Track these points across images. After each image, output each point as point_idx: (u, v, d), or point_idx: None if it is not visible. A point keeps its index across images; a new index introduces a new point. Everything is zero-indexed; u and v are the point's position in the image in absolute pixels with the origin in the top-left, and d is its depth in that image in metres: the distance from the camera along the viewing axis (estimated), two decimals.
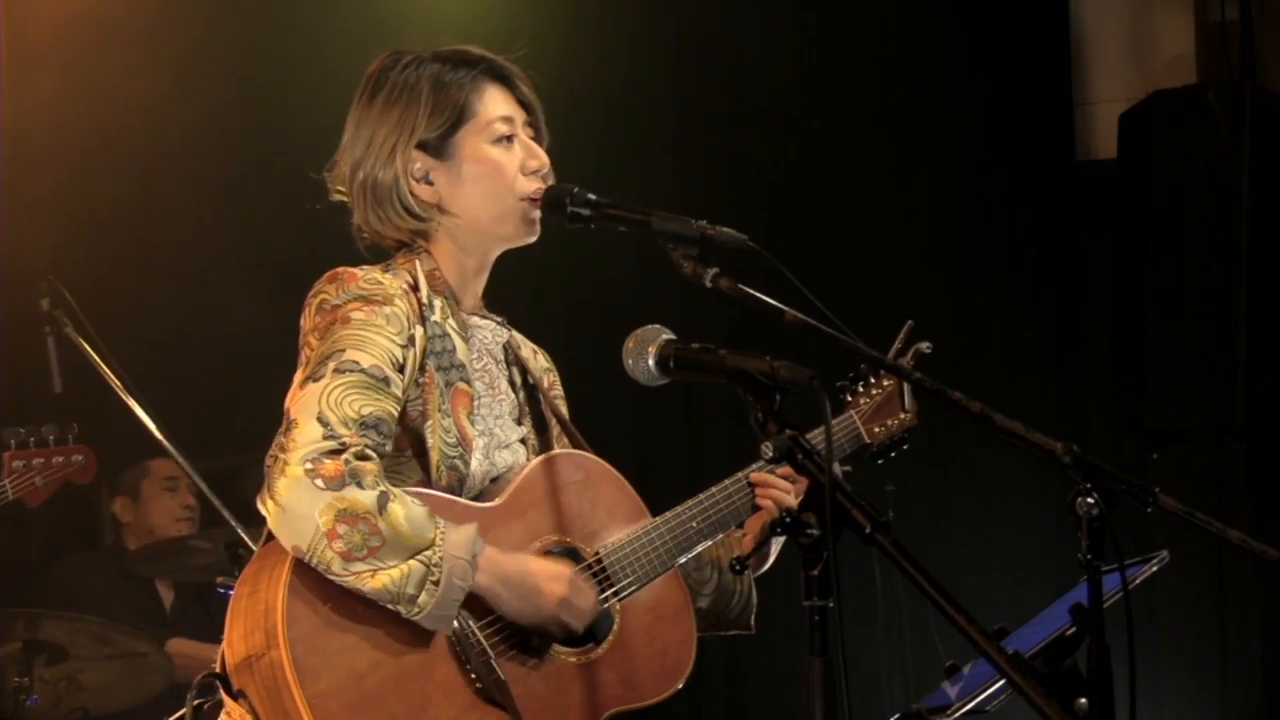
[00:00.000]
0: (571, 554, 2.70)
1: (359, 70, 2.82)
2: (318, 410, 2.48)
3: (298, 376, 2.57)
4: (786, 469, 2.80)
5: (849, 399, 3.04)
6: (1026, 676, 2.10)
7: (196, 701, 2.67)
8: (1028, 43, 6.59)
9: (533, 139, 2.80)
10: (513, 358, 2.86)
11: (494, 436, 2.73)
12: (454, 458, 2.64)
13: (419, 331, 2.65)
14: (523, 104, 2.80)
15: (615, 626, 2.69)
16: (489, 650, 2.56)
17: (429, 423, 2.63)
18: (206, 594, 5.14)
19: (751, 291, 2.43)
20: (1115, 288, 6.23)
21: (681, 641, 2.76)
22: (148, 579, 5.39)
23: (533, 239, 2.78)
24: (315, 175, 2.83)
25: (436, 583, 2.45)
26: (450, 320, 2.72)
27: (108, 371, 4.49)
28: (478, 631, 2.56)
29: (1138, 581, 3.18)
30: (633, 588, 2.72)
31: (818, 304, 2.41)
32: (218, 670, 2.54)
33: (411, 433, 2.63)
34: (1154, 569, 3.23)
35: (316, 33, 5.57)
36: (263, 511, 2.46)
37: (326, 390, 2.50)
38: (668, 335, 2.49)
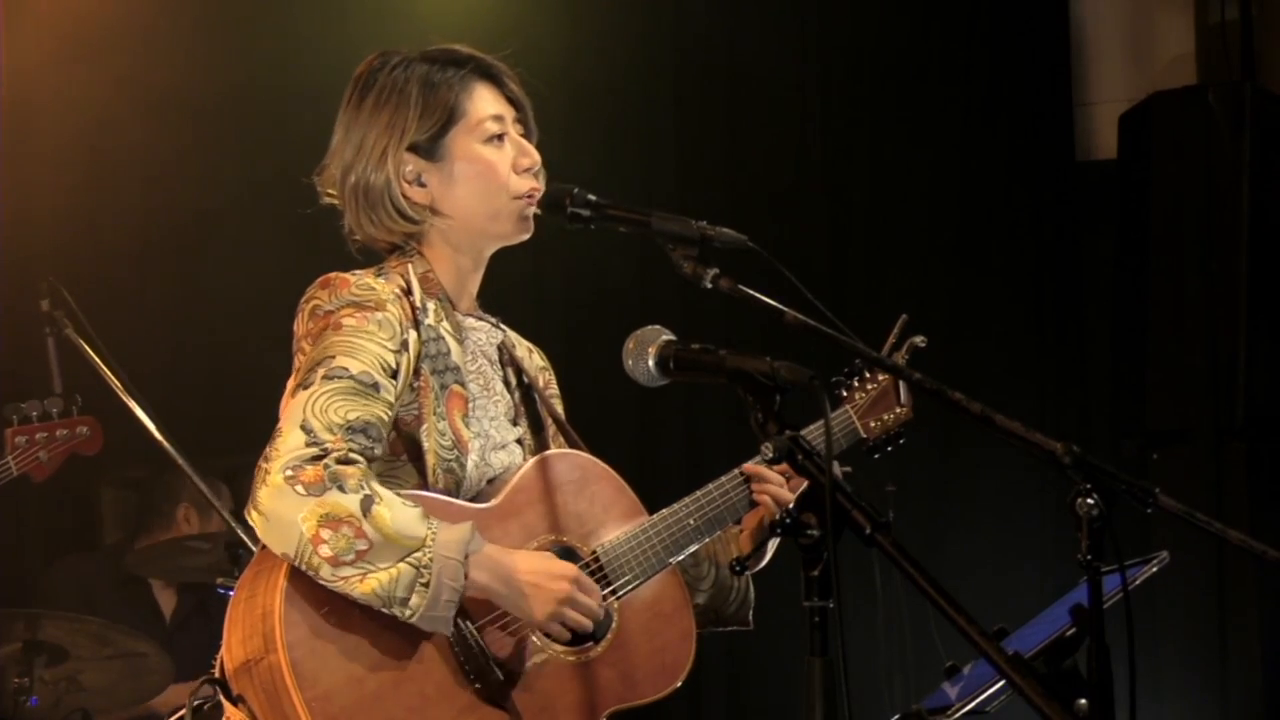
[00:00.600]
0: (568, 553, 2.69)
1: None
2: (302, 418, 2.48)
3: (290, 383, 2.58)
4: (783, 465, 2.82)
5: (844, 394, 3.04)
6: (1026, 677, 2.10)
7: (196, 703, 2.68)
8: (1028, 43, 6.60)
9: (523, 136, 2.80)
10: (508, 358, 2.85)
11: (489, 438, 2.73)
12: (450, 460, 2.64)
13: (412, 336, 2.65)
14: (512, 102, 2.80)
15: (613, 625, 2.69)
16: (487, 651, 2.56)
17: (424, 426, 2.63)
18: (209, 599, 5.13)
19: (751, 291, 2.43)
20: (1115, 288, 6.23)
21: (680, 639, 2.76)
22: (148, 579, 5.38)
23: (527, 236, 2.78)
24: (306, 179, 2.83)
25: (426, 584, 2.45)
26: (444, 323, 2.72)
27: (108, 371, 4.48)
28: (476, 632, 2.56)
29: (1138, 582, 3.18)
30: (630, 586, 2.72)
31: (818, 304, 2.41)
32: (217, 675, 2.54)
33: (407, 437, 2.63)
34: (1154, 569, 3.23)
35: (316, 33, 5.56)
36: (250, 522, 2.47)
37: (313, 397, 2.50)
38: (668, 336, 2.49)
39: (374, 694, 2.46)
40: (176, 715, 4.13)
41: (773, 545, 2.89)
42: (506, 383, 2.83)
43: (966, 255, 6.47)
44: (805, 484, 2.32)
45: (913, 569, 2.17)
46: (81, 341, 4.54)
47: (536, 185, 2.75)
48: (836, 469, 2.32)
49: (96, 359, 4.50)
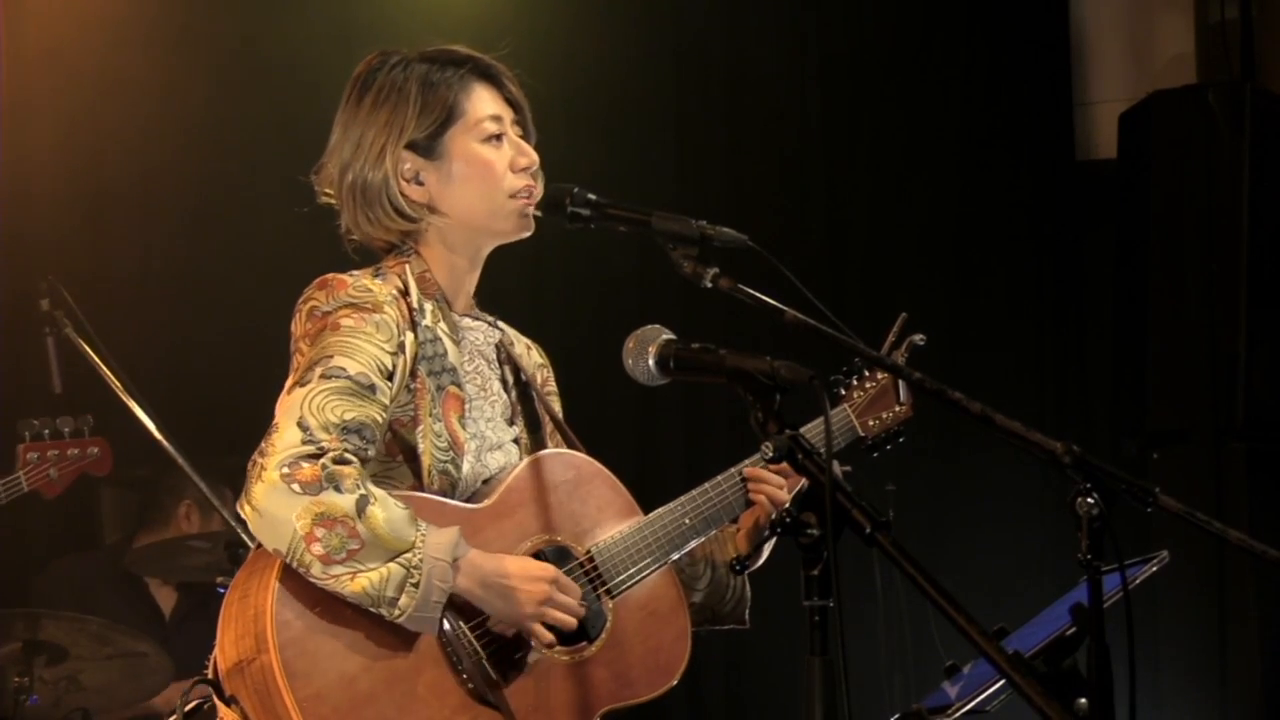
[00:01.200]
0: (562, 553, 2.70)
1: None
2: (299, 415, 2.49)
3: (288, 382, 2.58)
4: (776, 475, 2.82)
5: (842, 392, 3.05)
6: (1026, 676, 2.10)
7: (190, 706, 2.67)
8: (1028, 43, 6.60)
9: (521, 137, 2.80)
10: (505, 357, 2.86)
11: (485, 439, 2.73)
12: (445, 462, 2.64)
13: (409, 338, 2.65)
14: (510, 102, 2.81)
15: (608, 624, 2.69)
16: (480, 650, 2.56)
17: (420, 428, 2.63)
18: (209, 598, 5.13)
19: (751, 291, 2.43)
20: (1115, 288, 6.23)
21: (676, 638, 2.76)
22: (147, 579, 5.38)
23: (527, 234, 2.79)
24: (303, 178, 2.83)
25: (416, 585, 2.46)
26: (441, 324, 2.72)
27: (108, 371, 4.48)
28: (469, 632, 2.56)
29: (1138, 582, 3.18)
30: (625, 585, 2.72)
31: (817, 304, 2.42)
32: (210, 676, 2.54)
33: (402, 438, 2.64)
34: (1154, 569, 3.23)
35: (317, 33, 5.56)
36: (243, 516, 2.48)
37: (310, 395, 2.51)
38: (668, 335, 2.49)
39: (366, 694, 2.47)
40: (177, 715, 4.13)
41: (769, 545, 2.89)
42: (503, 382, 2.83)
43: (966, 255, 6.47)
44: (801, 484, 2.32)
45: (913, 568, 2.17)
46: (81, 341, 4.54)
47: (533, 184, 2.76)
48: (836, 468, 2.32)
49: (96, 359, 4.50)
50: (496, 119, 2.77)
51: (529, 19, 5.80)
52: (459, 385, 2.71)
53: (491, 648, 2.58)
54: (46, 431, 4.62)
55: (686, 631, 2.78)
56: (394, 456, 2.64)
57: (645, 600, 2.74)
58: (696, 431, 6.04)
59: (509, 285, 5.22)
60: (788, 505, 2.55)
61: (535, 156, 2.79)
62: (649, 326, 2.51)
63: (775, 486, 2.82)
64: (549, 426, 2.88)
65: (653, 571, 2.75)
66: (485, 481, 2.71)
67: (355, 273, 2.69)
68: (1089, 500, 2.28)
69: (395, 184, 2.73)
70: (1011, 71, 6.56)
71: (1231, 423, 5.81)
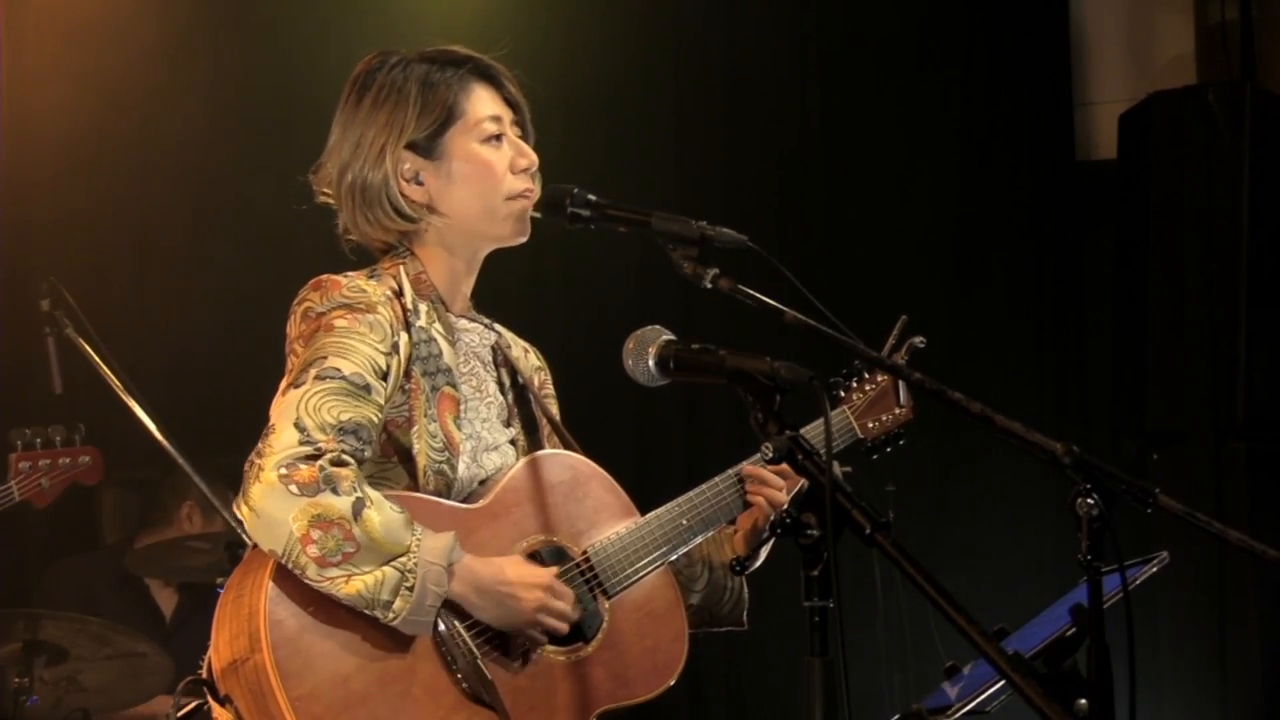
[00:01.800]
0: (559, 553, 2.70)
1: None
2: (295, 416, 2.49)
3: (283, 383, 2.59)
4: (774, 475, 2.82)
5: (842, 394, 3.04)
6: (1026, 677, 2.10)
7: (190, 708, 2.68)
8: (1028, 43, 6.59)
9: (520, 138, 2.81)
10: (501, 359, 2.86)
11: (481, 440, 2.73)
12: (440, 463, 2.64)
13: (403, 338, 2.65)
14: (509, 103, 2.82)
15: (604, 624, 2.69)
16: (475, 651, 2.56)
17: (415, 428, 2.63)
18: (210, 599, 5.13)
19: (751, 291, 2.43)
20: (1115, 288, 6.23)
21: (673, 639, 2.76)
22: (147, 579, 5.38)
23: (524, 238, 2.79)
24: (301, 178, 2.83)
25: (411, 588, 2.46)
26: (436, 325, 2.73)
27: (108, 371, 4.48)
28: (464, 632, 2.56)
29: (1138, 582, 3.17)
30: (622, 586, 2.72)
31: (817, 304, 2.42)
32: (204, 676, 2.54)
33: (397, 439, 2.64)
34: (1154, 570, 3.22)
35: (317, 33, 5.56)
36: (239, 516, 2.48)
37: (306, 396, 2.51)
38: (668, 336, 2.49)
39: (360, 693, 2.47)
40: (180, 715, 4.13)
41: (768, 545, 2.89)
42: (500, 384, 2.83)
43: (966, 255, 6.47)
44: (800, 485, 2.32)
45: (913, 569, 2.17)
46: (81, 341, 4.54)
47: (532, 186, 2.77)
48: (836, 469, 2.32)
49: (96, 359, 4.50)
50: (496, 119, 2.77)
51: (529, 19, 5.80)
52: (454, 386, 2.71)
53: (486, 647, 2.58)
54: (38, 440, 4.62)
55: (684, 632, 2.78)
56: (389, 457, 2.64)
57: (642, 601, 2.74)
58: (696, 431, 6.04)
59: (509, 286, 5.23)
60: (786, 506, 2.55)
61: (534, 157, 2.79)
62: (649, 327, 2.51)
63: (773, 488, 2.83)
64: (546, 429, 2.88)
65: (650, 572, 2.75)
66: (482, 482, 2.70)
67: (350, 274, 2.70)
68: (1089, 501, 2.28)
69: (395, 184, 2.73)
70: (1011, 71, 6.55)
71: (1231, 423, 5.81)
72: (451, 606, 2.53)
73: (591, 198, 2.63)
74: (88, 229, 5.44)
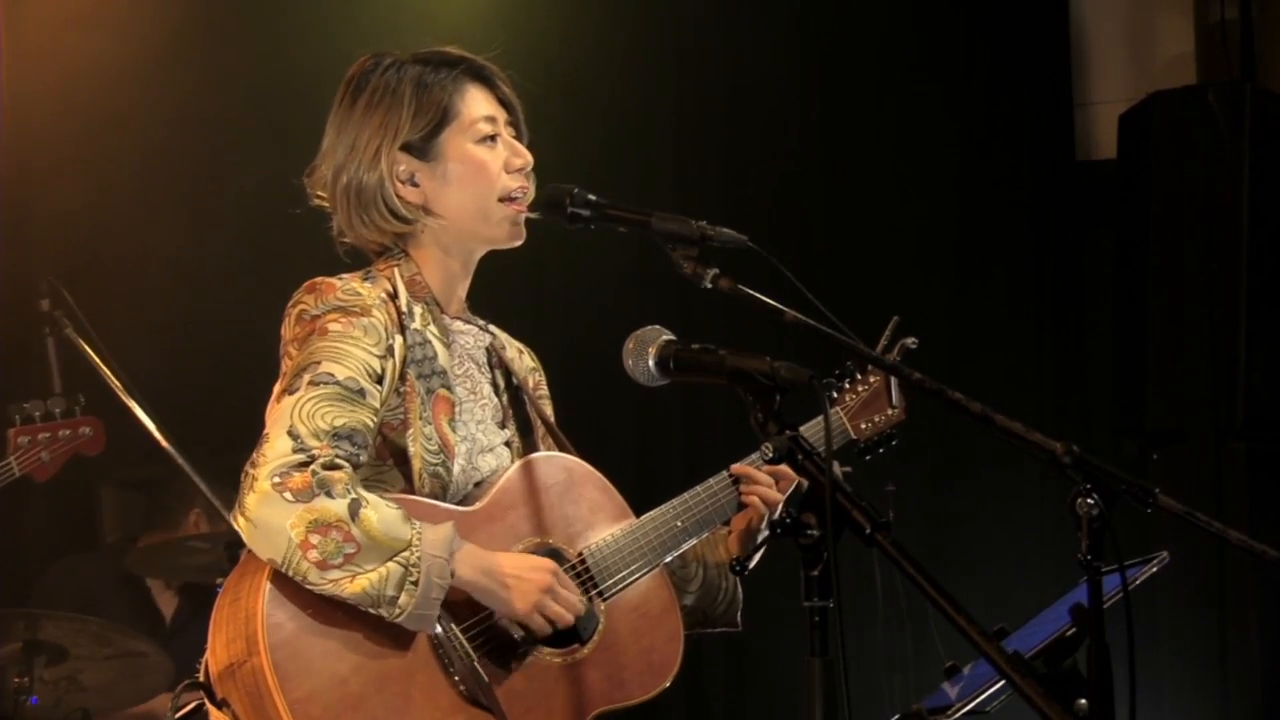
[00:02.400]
0: (554, 555, 2.70)
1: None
2: (289, 423, 2.49)
3: (276, 388, 2.59)
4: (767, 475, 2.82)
5: (835, 395, 3.05)
6: (1026, 677, 2.10)
7: (188, 709, 2.68)
8: (1028, 43, 6.59)
9: (514, 138, 2.81)
10: (496, 361, 2.86)
11: (476, 441, 2.73)
12: (436, 465, 2.64)
13: (398, 341, 2.65)
14: (504, 103, 2.82)
15: (600, 626, 2.70)
16: (471, 652, 2.56)
17: (410, 431, 2.63)
18: (210, 599, 5.13)
19: (751, 291, 2.44)
20: (1115, 288, 6.23)
21: (668, 640, 2.76)
22: (148, 580, 5.38)
23: (518, 243, 2.79)
24: (296, 180, 2.83)
25: (416, 582, 2.46)
26: (431, 327, 2.73)
27: (107, 372, 4.48)
28: (460, 634, 2.56)
29: (1138, 582, 3.17)
30: (617, 587, 2.72)
31: (817, 304, 2.42)
32: (201, 679, 2.54)
33: (393, 442, 2.64)
34: (1154, 569, 3.22)
35: (317, 33, 5.56)
36: (236, 527, 2.47)
37: (299, 403, 2.51)
38: (668, 336, 2.49)
39: (357, 695, 2.47)
40: (179, 716, 4.13)
41: (765, 546, 2.89)
42: (494, 386, 2.84)
43: (966, 255, 6.47)
44: (796, 484, 2.32)
45: (913, 569, 2.17)
46: (81, 341, 4.54)
47: (527, 185, 2.77)
48: (836, 469, 2.32)
49: (96, 359, 4.50)
50: (490, 119, 2.78)
51: (528, 19, 5.80)
52: (449, 388, 2.71)
53: (483, 650, 2.58)
54: (37, 414, 4.59)
55: (679, 633, 2.78)
56: (384, 460, 2.64)
57: (637, 602, 2.75)
58: (696, 431, 6.04)
59: (509, 285, 5.21)
60: (784, 506, 2.55)
61: (529, 157, 2.80)
62: (649, 327, 2.51)
63: (764, 485, 2.83)
64: (541, 430, 2.88)
65: (645, 574, 2.75)
66: (477, 484, 2.71)
67: (344, 276, 2.70)
68: (1089, 500, 2.28)
69: (390, 185, 2.73)
70: (1011, 71, 6.55)
71: (1231, 423, 5.81)
72: (449, 609, 2.53)
73: (591, 198, 2.63)
74: (88, 229, 5.44)
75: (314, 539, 2.42)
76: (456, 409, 2.71)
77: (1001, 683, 3.02)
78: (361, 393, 2.56)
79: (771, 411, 2.33)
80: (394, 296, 2.70)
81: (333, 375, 2.54)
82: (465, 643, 2.56)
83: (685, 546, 2.82)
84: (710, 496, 2.82)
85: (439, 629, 2.53)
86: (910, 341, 3.00)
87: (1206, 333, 5.86)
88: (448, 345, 2.74)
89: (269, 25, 5.67)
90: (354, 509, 2.45)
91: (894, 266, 6.33)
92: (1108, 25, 6.80)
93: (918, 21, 6.52)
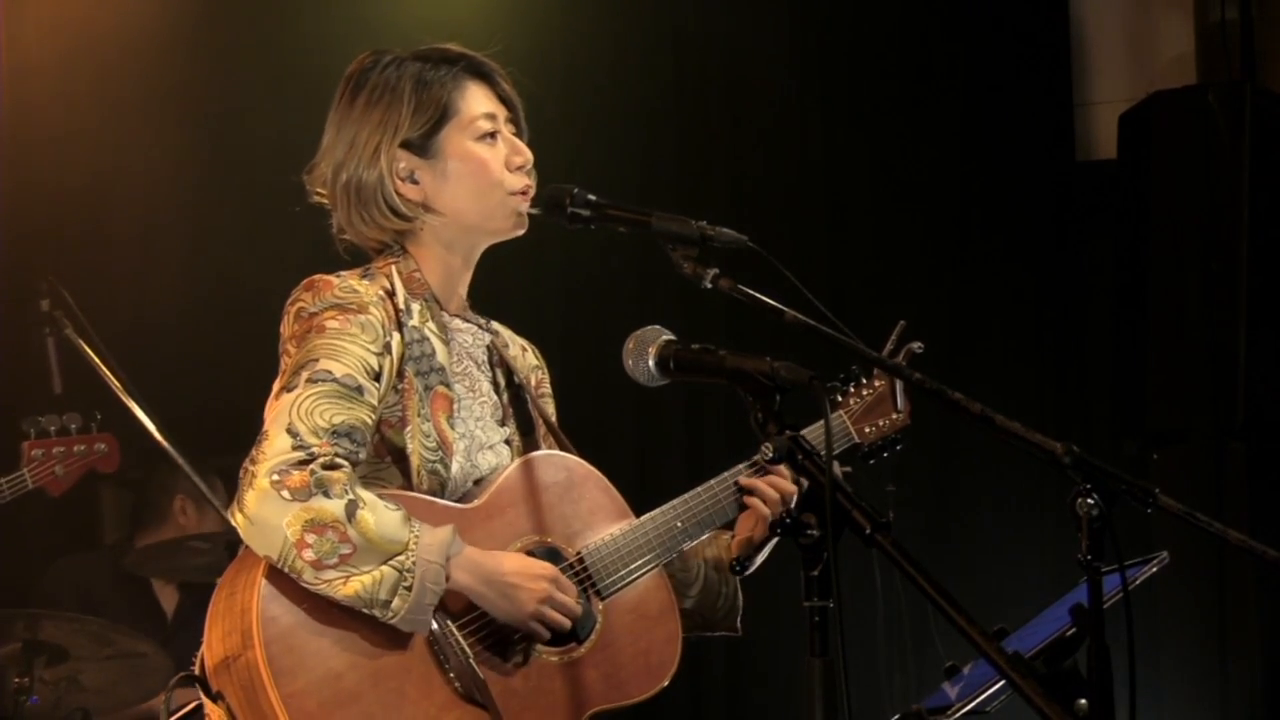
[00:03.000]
0: (553, 554, 2.70)
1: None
2: (288, 421, 2.49)
3: (275, 386, 2.59)
4: (772, 477, 2.81)
5: (838, 399, 3.04)
6: (1026, 677, 2.11)
7: (189, 708, 2.68)
8: (1028, 43, 6.59)
9: (514, 135, 2.81)
10: (496, 359, 2.86)
11: (475, 439, 2.73)
12: (434, 462, 2.64)
13: (395, 339, 2.65)
14: (504, 100, 2.82)
15: (598, 626, 2.70)
16: (467, 650, 2.56)
17: (408, 428, 2.63)
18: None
19: (751, 291, 2.44)
20: (1115, 288, 6.23)
21: (666, 641, 2.76)
22: (148, 579, 5.38)
23: (521, 232, 2.79)
24: (295, 178, 2.83)
25: (409, 588, 2.46)
26: (429, 324, 2.73)
27: (107, 371, 4.48)
28: (456, 632, 2.56)
29: (1138, 582, 3.18)
30: (615, 587, 2.72)
31: (817, 304, 2.42)
32: (196, 673, 2.55)
33: (391, 439, 2.64)
34: (1154, 570, 3.23)
35: (317, 33, 5.56)
36: (233, 523, 2.48)
37: (298, 401, 2.51)
38: (668, 336, 2.49)
39: (352, 691, 2.47)
40: (177, 715, 4.13)
41: (768, 546, 2.89)
42: (494, 384, 2.83)
43: (966, 255, 6.46)
44: (801, 486, 2.32)
45: (913, 569, 2.17)
46: (81, 341, 4.54)
47: (529, 182, 2.77)
48: (836, 469, 2.32)
49: (96, 359, 4.50)
50: (490, 117, 2.78)
51: (528, 18, 5.80)
52: (447, 385, 2.71)
53: (479, 647, 2.58)
54: (53, 428, 4.61)
55: (677, 634, 2.78)
56: (382, 457, 2.64)
57: (636, 603, 2.75)
58: (696, 431, 6.03)
59: (509, 285, 5.22)
60: (782, 508, 2.55)
61: (529, 155, 2.80)
62: (649, 327, 2.51)
63: (767, 484, 2.82)
64: (542, 429, 2.88)
65: (644, 574, 2.75)
66: (476, 482, 2.71)
67: (343, 273, 2.70)
68: (1089, 500, 2.29)
69: (390, 183, 2.73)
70: (1011, 71, 6.55)
71: (1231, 423, 5.81)
72: (445, 606, 2.53)
73: (591, 197, 2.64)
74: (88, 229, 5.44)
75: (310, 538, 2.42)
76: (455, 406, 2.71)
77: (1001, 683, 3.02)
78: (359, 390, 2.56)
79: (771, 412, 2.33)
80: (391, 294, 2.70)
81: (330, 373, 2.55)
82: (462, 640, 2.56)
83: (684, 548, 2.81)
84: (711, 499, 2.82)
85: (435, 626, 2.53)
86: (916, 346, 2.99)
87: (1206, 333, 5.85)
88: (446, 342, 2.74)
89: (269, 25, 5.67)
90: (350, 510, 2.45)
91: (894, 266, 6.33)
92: (1108, 25, 6.79)
93: (918, 21, 6.52)
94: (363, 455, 2.56)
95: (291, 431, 2.48)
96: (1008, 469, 6.02)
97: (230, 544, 4.58)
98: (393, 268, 2.74)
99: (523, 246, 2.83)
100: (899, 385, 3.03)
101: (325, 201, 2.80)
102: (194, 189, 5.56)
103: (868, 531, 2.20)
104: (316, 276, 2.67)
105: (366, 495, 2.48)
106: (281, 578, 2.46)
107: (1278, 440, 5.89)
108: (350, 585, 2.44)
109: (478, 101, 2.77)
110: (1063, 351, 6.52)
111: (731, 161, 6.30)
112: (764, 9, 6.34)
